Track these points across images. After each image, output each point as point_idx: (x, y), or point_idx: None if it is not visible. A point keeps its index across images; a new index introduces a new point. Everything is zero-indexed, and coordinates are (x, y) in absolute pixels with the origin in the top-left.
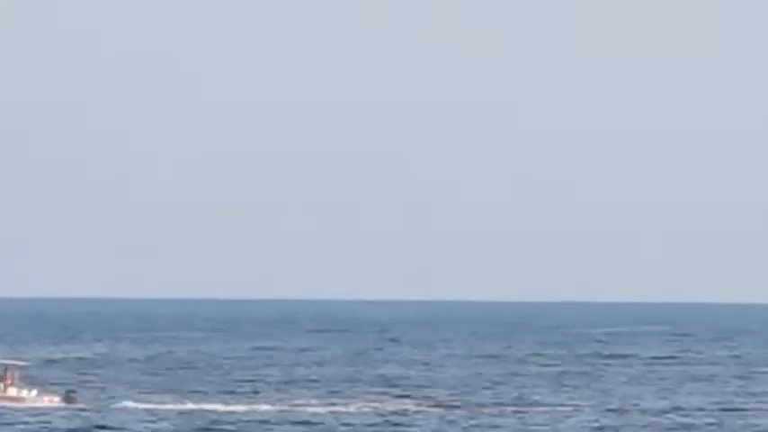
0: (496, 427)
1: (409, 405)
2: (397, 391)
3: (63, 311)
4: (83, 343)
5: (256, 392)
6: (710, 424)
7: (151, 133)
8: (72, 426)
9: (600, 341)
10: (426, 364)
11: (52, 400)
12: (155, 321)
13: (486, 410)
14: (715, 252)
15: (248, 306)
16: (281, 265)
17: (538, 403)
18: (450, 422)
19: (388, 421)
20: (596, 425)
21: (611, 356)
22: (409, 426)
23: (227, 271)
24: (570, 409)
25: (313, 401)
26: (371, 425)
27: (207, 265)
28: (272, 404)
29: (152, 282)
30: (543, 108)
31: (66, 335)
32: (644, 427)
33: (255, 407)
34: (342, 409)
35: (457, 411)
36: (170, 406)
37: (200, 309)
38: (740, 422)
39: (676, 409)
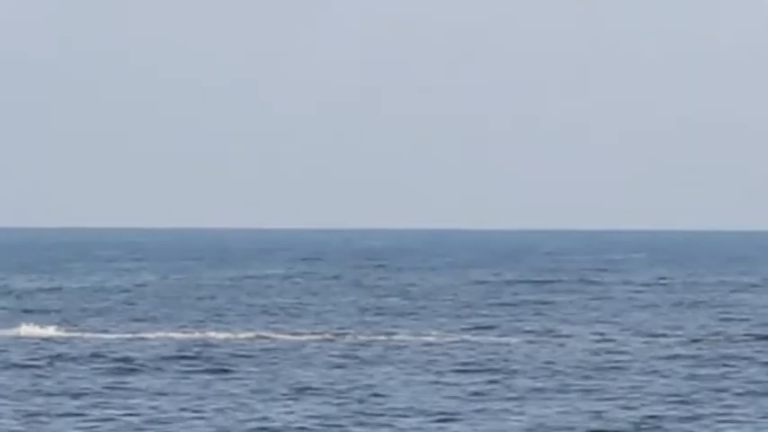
0: (482, 354)
1: (398, 333)
2: (382, 320)
3: (51, 241)
4: (67, 272)
5: (224, 321)
6: (700, 349)
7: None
8: None
9: (590, 269)
10: (409, 293)
11: None
12: (146, 251)
13: (468, 338)
14: (705, 180)
15: (239, 235)
16: (278, 193)
17: (524, 331)
18: (438, 351)
19: (370, 350)
20: (588, 350)
21: (601, 283)
22: (398, 355)
23: (223, 200)
24: (562, 336)
25: (297, 329)
26: (354, 351)
27: (201, 193)
28: (247, 332)
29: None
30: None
31: (53, 264)
32: (633, 353)
33: (216, 334)
34: (321, 336)
35: (444, 339)
36: (71, 333)
37: (194, 238)
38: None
39: (668, 335)
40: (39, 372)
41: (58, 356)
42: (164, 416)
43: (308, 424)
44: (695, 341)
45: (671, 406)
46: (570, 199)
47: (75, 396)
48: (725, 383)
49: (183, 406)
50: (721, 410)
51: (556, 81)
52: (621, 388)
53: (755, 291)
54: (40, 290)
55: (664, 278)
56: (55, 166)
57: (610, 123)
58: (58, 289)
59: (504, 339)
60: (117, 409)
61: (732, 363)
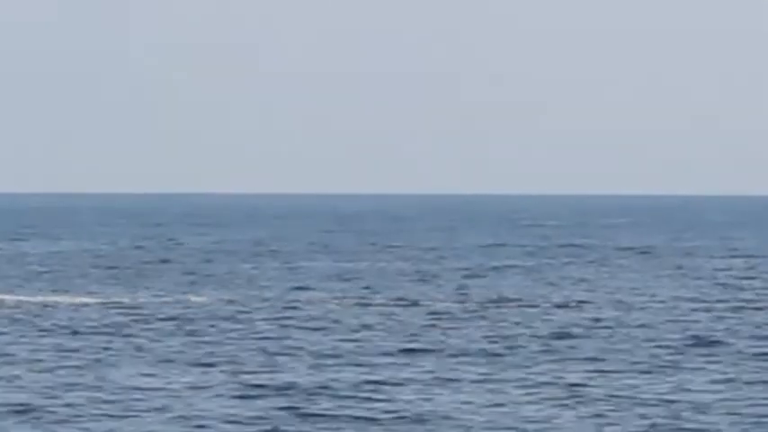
0: (464, 324)
1: (366, 298)
2: (343, 285)
3: (30, 206)
4: (47, 237)
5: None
6: (681, 315)
7: None
8: None
9: (565, 233)
10: (370, 260)
11: None
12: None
13: (446, 305)
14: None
15: (224, 200)
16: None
17: (506, 299)
18: (429, 316)
19: (337, 317)
20: (565, 316)
21: (575, 246)
22: (369, 321)
23: (197, 165)
24: (543, 304)
25: (252, 293)
26: (323, 319)
27: (175, 157)
28: (225, 296)
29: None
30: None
31: (34, 229)
32: (611, 320)
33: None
34: (295, 303)
35: (414, 308)
36: (46, 298)
37: (171, 202)
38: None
39: (648, 302)
40: (21, 338)
41: (36, 323)
42: (145, 379)
43: (294, 386)
44: (675, 308)
45: (646, 374)
46: (556, 166)
47: (68, 355)
48: (704, 350)
49: (165, 369)
50: (698, 376)
51: (555, 81)
52: (597, 354)
53: (737, 258)
54: (19, 254)
55: (648, 245)
56: (33, 132)
57: (610, 123)
58: (36, 254)
59: (487, 304)
60: (101, 381)
61: (712, 331)
